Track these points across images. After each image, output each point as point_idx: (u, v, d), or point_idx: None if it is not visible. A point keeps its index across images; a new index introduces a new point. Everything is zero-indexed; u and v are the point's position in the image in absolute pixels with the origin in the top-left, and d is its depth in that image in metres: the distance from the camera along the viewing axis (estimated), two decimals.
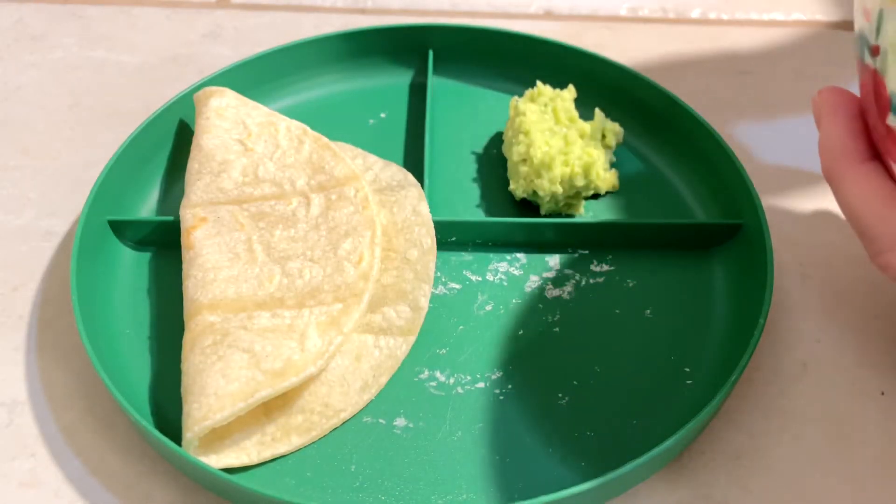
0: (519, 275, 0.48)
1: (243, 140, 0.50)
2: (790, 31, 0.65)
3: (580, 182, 0.49)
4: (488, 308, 0.47)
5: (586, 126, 0.51)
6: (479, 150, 0.54)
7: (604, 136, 0.52)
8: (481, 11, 0.66)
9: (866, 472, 0.41)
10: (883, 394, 0.44)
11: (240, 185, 0.48)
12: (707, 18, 0.66)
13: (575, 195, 0.50)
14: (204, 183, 0.48)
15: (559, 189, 0.49)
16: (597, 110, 0.52)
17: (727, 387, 0.40)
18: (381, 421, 0.42)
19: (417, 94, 0.58)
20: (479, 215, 0.51)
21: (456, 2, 0.67)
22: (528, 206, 0.51)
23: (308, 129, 0.51)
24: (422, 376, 0.44)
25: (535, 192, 0.50)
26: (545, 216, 0.50)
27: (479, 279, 0.48)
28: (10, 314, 0.47)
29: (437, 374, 0.44)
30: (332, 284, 0.43)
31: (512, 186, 0.50)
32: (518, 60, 0.57)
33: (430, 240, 0.47)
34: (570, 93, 0.53)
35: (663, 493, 0.40)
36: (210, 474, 0.38)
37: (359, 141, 0.53)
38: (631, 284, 0.48)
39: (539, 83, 0.53)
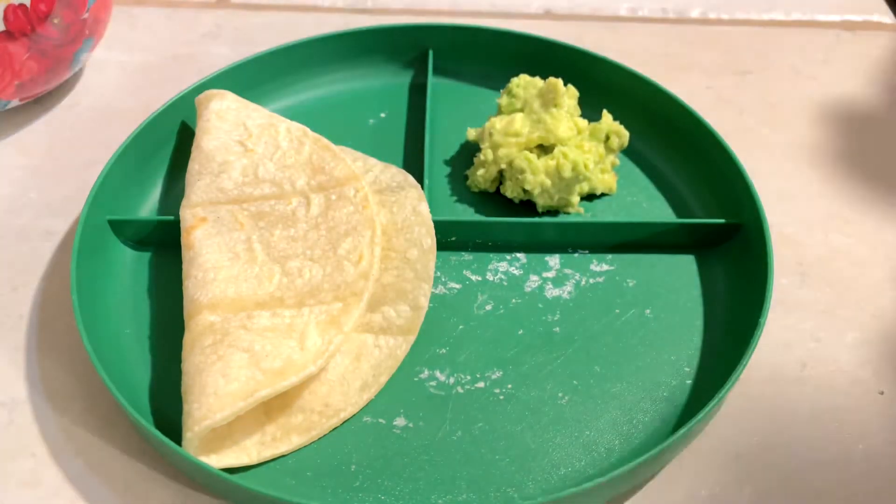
0: (519, 275, 0.48)
1: (243, 141, 0.50)
2: (790, 30, 0.65)
3: (567, 173, 0.49)
4: (488, 308, 0.47)
5: (582, 122, 0.51)
6: None
7: (608, 139, 0.52)
8: (481, 11, 0.66)
9: (866, 472, 0.41)
10: (882, 393, 0.44)
11: (240, 185, 0.48)
12: (707, 18, 0.66)
13: (566, 188, 0.50)
14: (204, 183, 0.48)
15: (546, 181, 0.49)
16: (605, 112, 0.52)
17: (727, 387, 0.40)
18: (381, 420, 0.42)
19: (417, 94, 0.58)
20: (479, 215, 0.51)
21: (456, 2, 0.67)
22: (528, 206, 0.51)
23: (308, 130, 0.51)
24: (422, 376, 0.44)
25: (525, 191, 0.50)
26: (542, 214, 0.50)
27: (479, 279, 0.48)
28: (11, 314, 0.47)
29: (437, 373, 0.44)
30: (331, 283, 0.43)
31: (502, 190, 0.51)
32: (518, 60, 0.57)
33: (430, 240, 0.47)
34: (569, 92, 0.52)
35: (664, 494, 0.40)
36: (210, 474, 0.38)
37: (359, 141, 0.53)
38: (631, 284, 0.48)
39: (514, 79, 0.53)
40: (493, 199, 0.52)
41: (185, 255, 0.45)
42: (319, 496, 0.39)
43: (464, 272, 0.48)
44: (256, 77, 0.56)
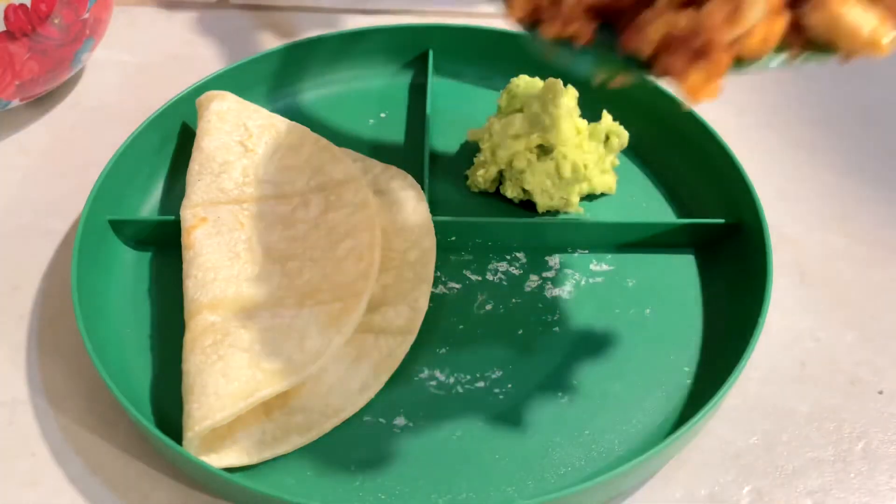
0: (519, 275, 0.48)
1: (244, 142, 0.50)
2: None
3: (567, 173, 0.49)
4: (488, 308, 0.47)
5: (582, 122, 0.51)
6: None
7: (608, 139, 0.52)
8: (481, 11, 0.66)
9: (865, 472, 0.41)
10: (881, 393, 0.44)
11: (240, 185, 0.48)
12: None
13: (566, 188, 0.50)
14: (204, 183, 0.48)
15: (546, 181, 0.49)
16: (604, 112, 0.52)
17: (727, 387, 0.40)
18: (381, 420, 0.42)
19: (417, 94, 0.58)
20: (479, 215, 0.51)
21: (456, 2, 0.67)
22: (528, 206, 0.51)
23: (308, 131, 0.51)
24: (422, 375, 0.44)
25: (525, 191, 0.50)
26: (542, 214, 0.50)
27: (479, 279, 0.48)
28: (11, 314, 0.47)
29: (437, 373, 0.44)
30: (331, 284, 0.43)
31: (502, 190, 0.51)
32: (518, 60, 0.57)
33: (429, 240, 0.47)
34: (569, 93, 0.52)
35: (663, 493, 0.40)
36: (211, 474, 0.38)
37: (359, 141, 0.53)
38: (631, 284, 0.48)
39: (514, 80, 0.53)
40: (493, 199, 0.52)
41: (186, 254, 0.46)
42: (319, 496, 0.39)
43: (464, 272, 0.48)
44: (256, 77, 0.56)
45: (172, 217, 0.48)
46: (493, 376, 0.44)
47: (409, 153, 0.54)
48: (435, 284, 0.47)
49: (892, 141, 0.57)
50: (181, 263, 0.46)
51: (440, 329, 0.46)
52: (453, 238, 0.49)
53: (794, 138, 0.57)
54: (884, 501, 0.40)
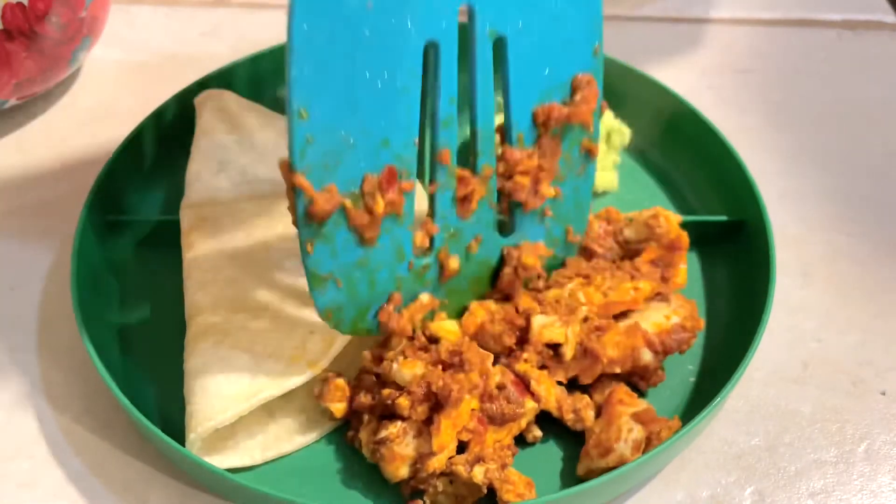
0: None
1: (242, 140, 0.50)
2: (791, 29, 0.65)
3: None
4: None
5: None
6: None
7: (609, 136, 0.52)
8: None
9: (868, 473, 0.41)
10: (883, 394, 0.44)
11: (239, 184, 0.48)
12: (708, 17, 0.66)
13: None
14: (203, 183, 0.48)
15: None
16: (607, 111, 0.52)
17: (728, 387, 0.40)
18: None
19: None
20: None
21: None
22: None
23: None
24: None
25: None
26: None
27: None
28: (10, 314, 0.46)
29: None
30: None
31: None
32: None
33: None
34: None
35: (663, 493, 0.40)
36: (214, 474, 0.38)
37: None
38: None
39: None
40: None
41: (186, 255, 0.45)
42: (322, 496, 0.39)
43: None
44: (255, 76, 0.56)
45: (172, 217, 0.48)
46: None
47: None
48: None
49: (894, 139, 0.57)
50: (181, 263, 0.46)
51: None
52: None
53: (796, 137, 0.57)
54: (886, 503, 0.40)
